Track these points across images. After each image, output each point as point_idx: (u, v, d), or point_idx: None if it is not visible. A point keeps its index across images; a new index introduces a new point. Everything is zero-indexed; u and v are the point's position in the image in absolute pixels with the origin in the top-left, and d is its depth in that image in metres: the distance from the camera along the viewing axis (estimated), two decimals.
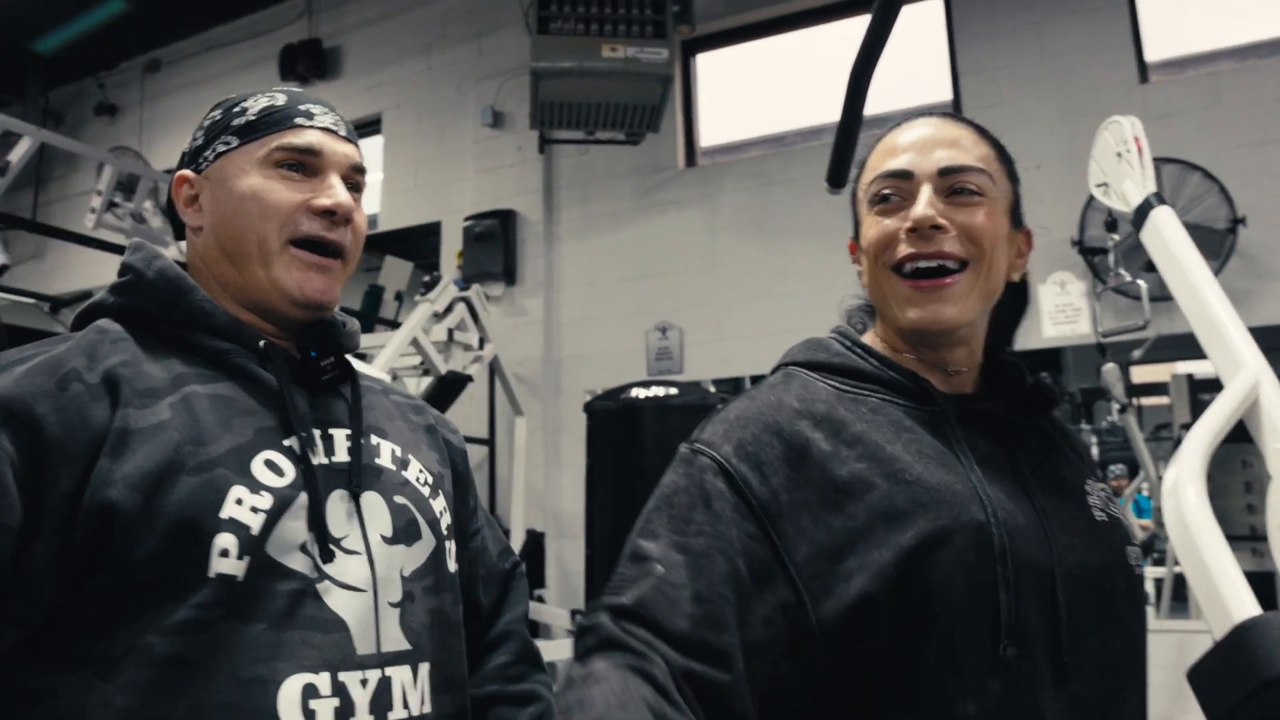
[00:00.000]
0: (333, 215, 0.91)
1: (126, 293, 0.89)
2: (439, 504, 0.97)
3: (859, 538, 0.78)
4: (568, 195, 4.74)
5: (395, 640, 0.85)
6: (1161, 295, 2.97)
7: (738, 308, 4.25)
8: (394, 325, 4.45)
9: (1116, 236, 2.88)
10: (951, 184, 0.88)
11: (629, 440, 3.50)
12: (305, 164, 0.91)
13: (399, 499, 0.92)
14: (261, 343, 0.89)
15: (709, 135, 4.67)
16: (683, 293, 4.38)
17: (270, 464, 0.83)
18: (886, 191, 0.90)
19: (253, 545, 0.78)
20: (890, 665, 0.77)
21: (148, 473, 0.76)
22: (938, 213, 0.86)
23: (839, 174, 1.18)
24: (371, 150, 5.29)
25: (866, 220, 0.92)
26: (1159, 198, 1.95)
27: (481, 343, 4.13)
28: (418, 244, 5.25)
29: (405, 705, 0.84)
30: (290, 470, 0.84)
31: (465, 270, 4.75)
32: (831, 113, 1.11)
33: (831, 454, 0.82)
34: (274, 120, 0.92)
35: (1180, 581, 3.66)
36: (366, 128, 5.46)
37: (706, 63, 4.77)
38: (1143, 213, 1.95)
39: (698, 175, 4.53)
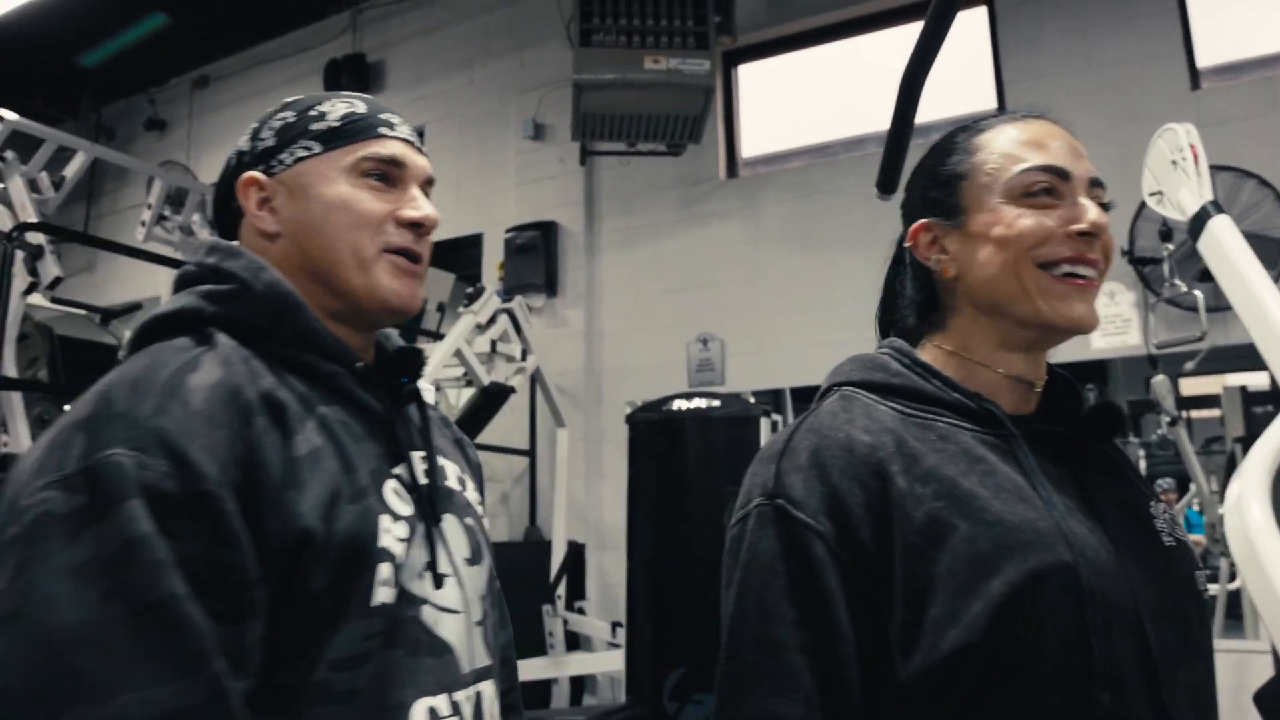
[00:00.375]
0: (419, 228, 0.91)
1: (232, 303, 0.85)
2: (487, 522, 1.00)
3: (942, 584, 0.75)
4: (609, 207, 4.76)
5: (482, 657, 0.89)
6: (1214, 305, 2.91)
7: (780, 319, 4.23)
8: (436, 336, 4.49)
9: (1171, 246, 2.83)
10: (1097, 196, 0.88)
11: (671, 452, 3.49)
12: (388, 174, 0.91)
13: (468, 520, 0.94)
14: (360, 364, 0.88)
15: (751, 146, 4.66)
16: (724, 304, 4.37)
17: (397, 492, 0.85)
18: (1044, 184, 0.86)
19: (398, 574, 0.81)
20: (977, 716, 0.75)
21: (323, 501, 0.77)
22: None
23: (889, 180, 1.17)
24: None
25: (1005, 209, 0.86)
26: (1216, 206, 1.91)
27: (524, 354, 4.14)
28: (459, 255, 5.29)
29: (492, 717, 0.89)
30: (407, 497, 0.85)
31: (506, 282, 4.78)
32: (875, 122, 1.09)
33: (907, 493, 0.78)
34: (358, 129, 0.91)
35: (1234, 599, 3.57)
36: None
37: (748, 73, 4.76)
38: (1200, 221, 1.91)
39: (739, 186, 4.52)
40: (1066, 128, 0.92)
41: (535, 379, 4.32)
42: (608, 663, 3.87)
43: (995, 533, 0.76)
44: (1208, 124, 3.37)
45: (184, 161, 6.07)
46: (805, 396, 4.53)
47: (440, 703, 0.81)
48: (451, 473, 0.96)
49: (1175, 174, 2.01)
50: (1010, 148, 0.88)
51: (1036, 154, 0.87)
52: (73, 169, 4.19)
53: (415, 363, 0.95)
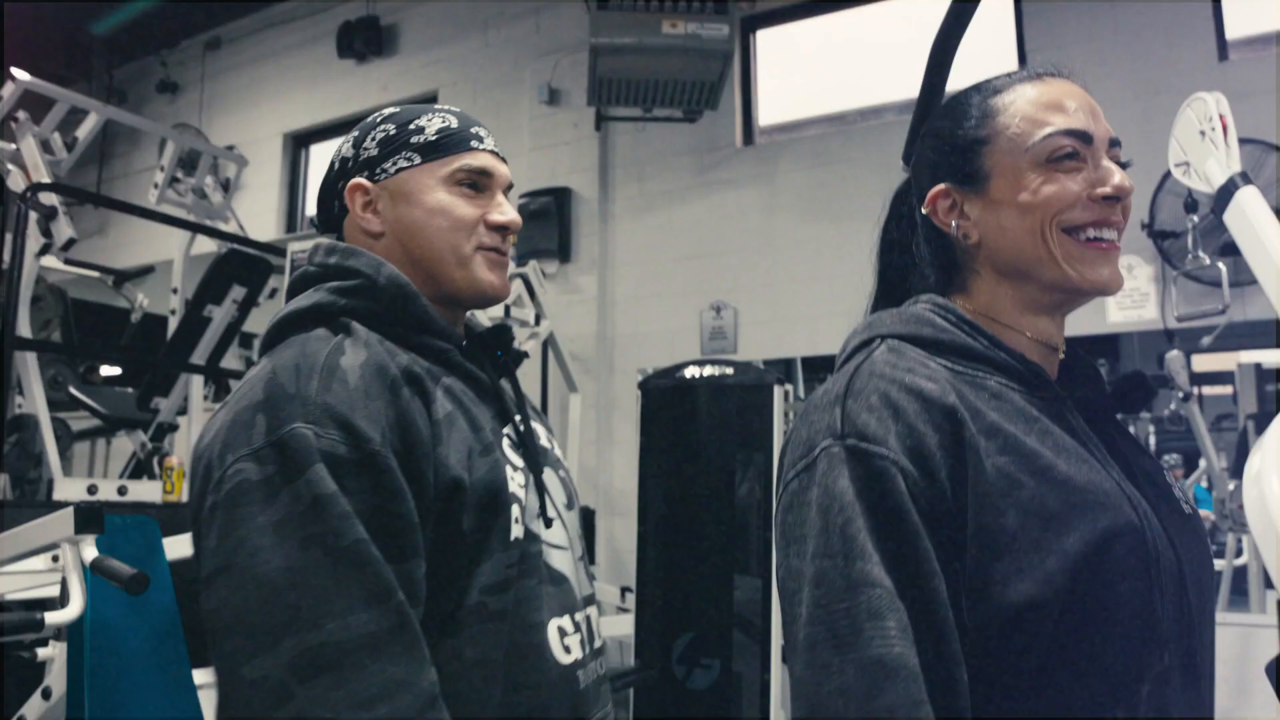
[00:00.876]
0: (506, 230, 1.05)
1: (359, 296, 0.98)
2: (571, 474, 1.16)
3: (1012, 539, 0.74)
4: (624, 173, 4.73)
5: (585, 587, 1.06)
6: (1234, 280, 2.88)
7: (794, 288, 4.21)
8: None
9: (1195, 218, 2.79)
10: (1115, 155, 0.87)
11: (683, 419, 3.50)
12: (478, 183, 1.04)
13: (561, 472, 1.10)
14: (464, 342, 1.02)
15: (767, 114, 4.62)
16: (738, 272, 4.35)
17: (511, 447, 0.99)
18: (1068, 149, 0.85)
19: (524, 515, 0.95)
20: (1038, 672, 0.75)
21: (463, 456, 0.91)
22: None
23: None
24: None
25: (1029, 174, 0.85)
26: (1245, 178, 1.88)
27: (537, 319, 4.14)
28: None
29: (599, 636, 1.06)
30: (518, 452, 1.00)
31: (519, 247, 4.77)
32: (892, 92, 1.07)
33: (974, 444, 0.77)
34: (453, 142, 1.03)
35: (1240, 575, 3.59)
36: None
37: (766, 40, 4.71)
38: (1227, 193, 1.89)
39: (755, 154, 4.49)
40: (1080, 84, 0.91)
41: (548, 345, 4.32)
42: (617, 627, 3.89)
43: (1064, 491, 0.76)
44: (1235, 95, 3.32)
45: (196, 124, 6.05)
46: (816, 366, 4.52)
47: (565, 622, 0.98)
48: (541, 433, 1.10)
49: (1203, 144, 1.98)
50: (1031, 110, 0.87)
51: (1058, 117, 0.86)
52: (85, 130, 4.18)
53: (507, 339, 1.09)
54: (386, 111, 1.07)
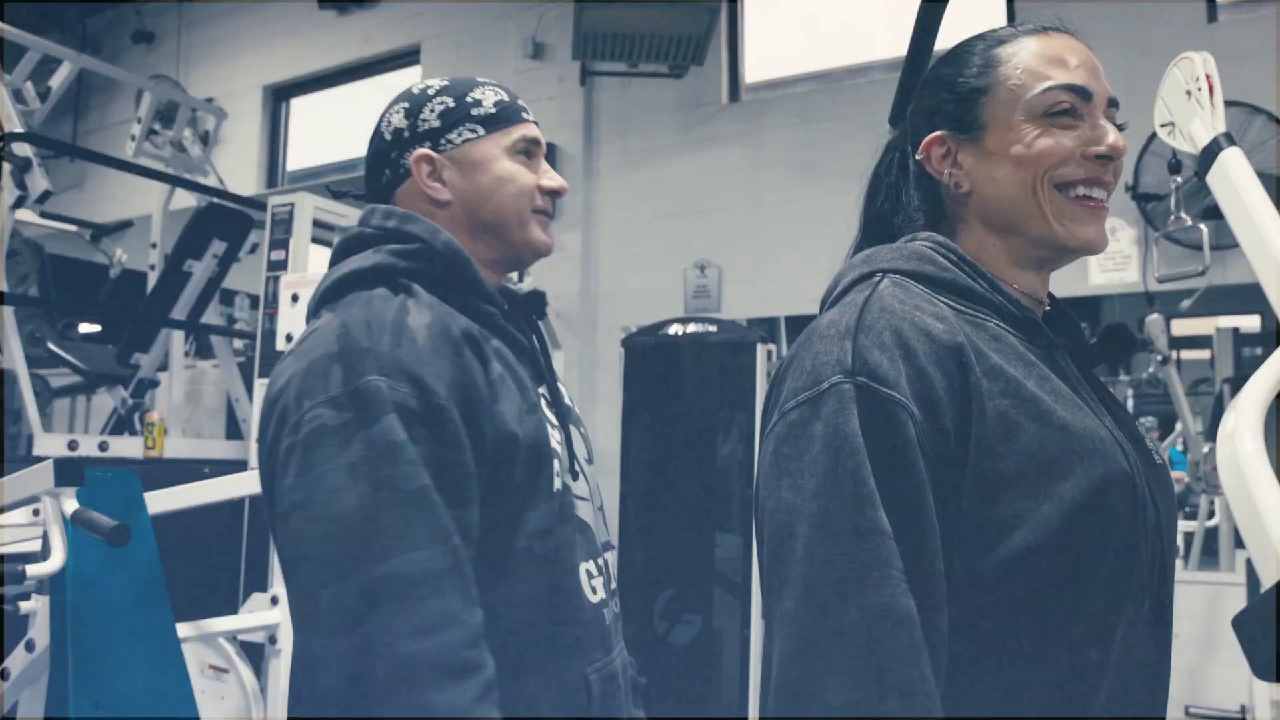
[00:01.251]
0: (557, 194, 1.15)
1: (418, 259, 1.04)
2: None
3: (1011, 483, 0.75)
4: (608, 129, 4.68)
5: (604, 534, 1.15)
6: (1216, 243, 2.88)
7: (778, 247, 4.20)
8: None
9: (1179, 179, 2.80)
10: (1112, 116, 0.87)
11: (666, 376, 3.51)
12: (530, 151, 1.13)
13: (581, 429, 1.19)
14: (507, 306, 1.10)
15: (754, 70, 4.57)
16: (723, 231, 4.34)
17: (548, 406, 1.07)
18: (1066, 104, 0.85)
19: (561, 468, 1.04)
20: (1022, 614, 0.76)
21: (515, 413, 1.00)
22: None
23: (905, 113, 1.15)
24: (409, 81, 5.22)
25: (1026, 127, 0.85)
26: (1229, 138, 1.88)
27: (521, 277, 4.12)
28: None
29: (615, 579, 1.15)
30: (551, 410, 1.08)
31: None
32: (879, 50, 1.06)
33: (978, 387, 0.77)
34: (509, 114, 1.12)
35: (1210, 535, 3.66)
36: (404, 58, 5.39)
37: None
38: (1211, 154, 1.89)
39: (741, 111, 4.45)
40: (1084, 41, 0.90)
41: None
42: None
43: (1062, 437, 0.77)
44: (1223, 57, 3.30)
45: (174, 76, 5.93)
46: (800, 326, 4.52)
47: (591, 566, 1.07)
48: (564, 392, 1.18)
49: (1189, 105, 1.98)
50: (1033, 63, 0.87)
51: (1060, 71, 0.86)
52: (59, 79, 4.10)
53: (541, 303, 1.19)
54: (433, 84, 1.14)
